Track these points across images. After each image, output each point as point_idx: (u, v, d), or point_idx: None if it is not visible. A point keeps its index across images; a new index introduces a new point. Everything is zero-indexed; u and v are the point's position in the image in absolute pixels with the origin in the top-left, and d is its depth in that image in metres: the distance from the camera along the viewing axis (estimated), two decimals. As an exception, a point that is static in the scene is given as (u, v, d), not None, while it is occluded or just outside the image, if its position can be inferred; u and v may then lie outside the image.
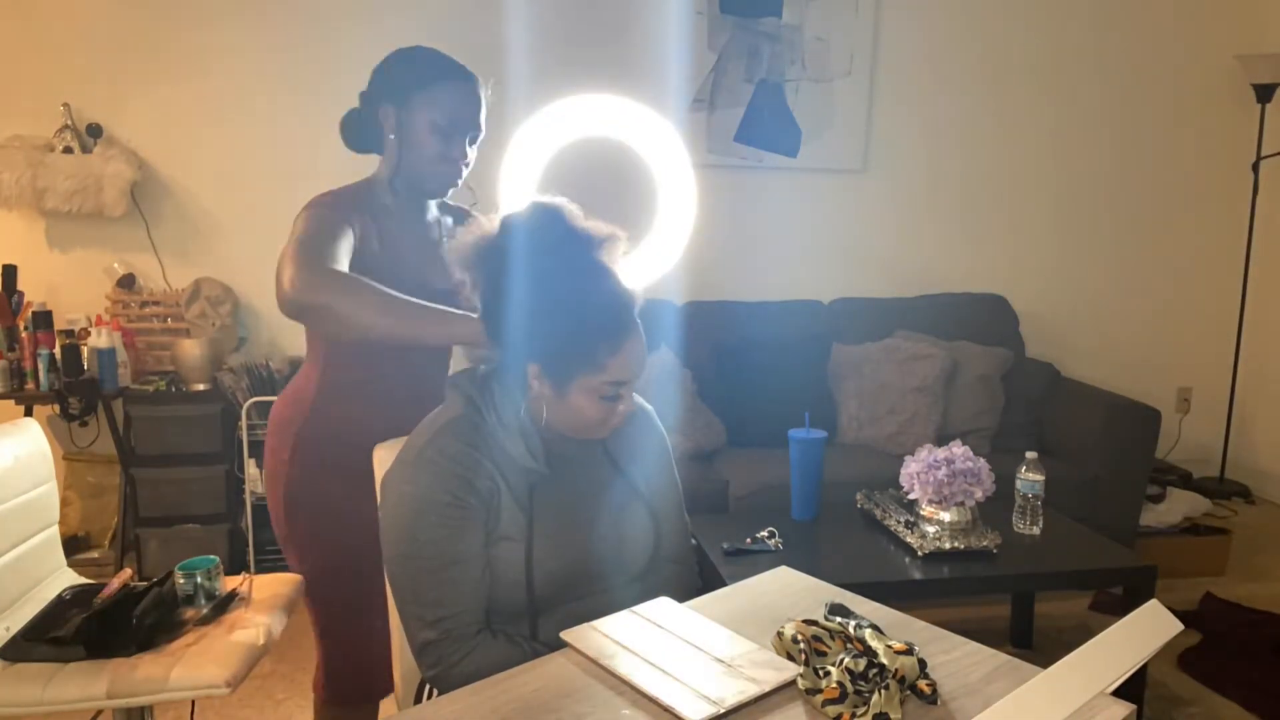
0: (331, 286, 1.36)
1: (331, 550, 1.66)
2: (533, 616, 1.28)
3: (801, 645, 1.09)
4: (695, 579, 1.46)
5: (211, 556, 1.78)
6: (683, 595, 1.31)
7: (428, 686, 1.37)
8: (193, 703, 2.15)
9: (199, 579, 1.75)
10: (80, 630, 1.59)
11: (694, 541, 1.53)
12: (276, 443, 1.66)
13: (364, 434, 1.54)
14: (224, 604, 1.76)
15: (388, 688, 1.67)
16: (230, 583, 1.82)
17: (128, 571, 1.78)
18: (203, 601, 1.74)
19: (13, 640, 1.61)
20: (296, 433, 1.63)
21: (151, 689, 1.54)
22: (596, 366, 1.22)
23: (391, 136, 1.60)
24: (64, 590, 1.78)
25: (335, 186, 1.63)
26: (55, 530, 1.91)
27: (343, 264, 1.44)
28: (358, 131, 1.64)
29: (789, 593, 1.33)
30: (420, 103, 1.57)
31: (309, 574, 1.69)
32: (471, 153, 1.64)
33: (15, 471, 1.80)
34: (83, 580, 1.90)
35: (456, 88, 1.59)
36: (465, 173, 1.65)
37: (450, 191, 1.66)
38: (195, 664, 1.57)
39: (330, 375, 1.63)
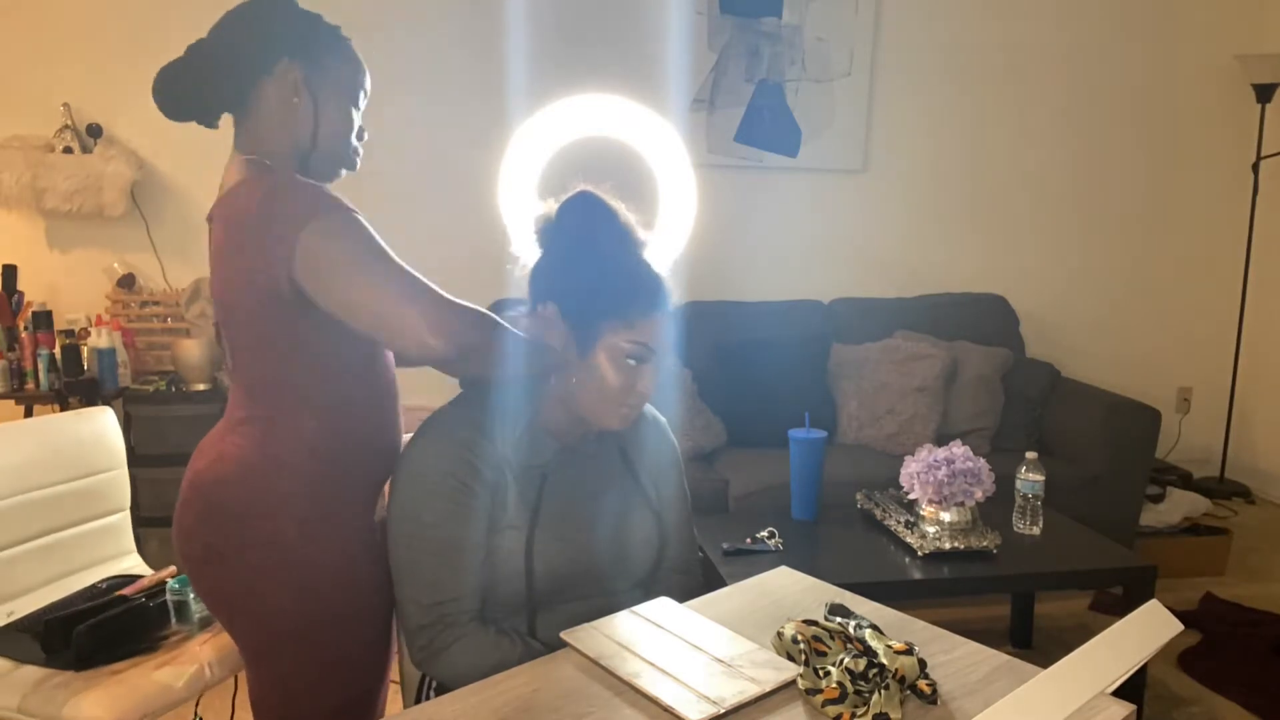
0: (474, 321, 1.19)
1: (356, 637, 1.34)
2: (531, 611, 1.28)
3: (801, 645, 1.09)
4: (700, 591, 1.47)
5: None
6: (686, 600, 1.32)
7: (427, 686, 1.37)
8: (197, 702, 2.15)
9: (187, 594, 1.71)
10: (42, 633, 1.55)
11: (701, 554, 1.54)
12: (271, 527, 1.26)
13: (365, 453, 1.33)
14: (207, 622, 1.72)
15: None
16: None
17: (173, 569, 1.75)
18: (182, 619, 1.71)
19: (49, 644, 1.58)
20: (292, 493, 1.27)
21: (47, 713, 1.45)
22: (625, 321, 1.25)
23: (296, 100, 1.30)
24: (102, 580, 1.79)
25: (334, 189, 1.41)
26: (125, 516, 1.97)
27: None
28: (201, 90, 1.29)
29: (789, 593, 1.33)
30: (333, 67, 1.31)
31: (333, 667, 1.33)
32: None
33: (78, 455, 1.87)
34: (130, 573, 1.90)
35: (355, 53, 1.35)
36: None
37: (343, 174, 1.40)
38: (94, 698, 1.47)
39: (314, 407, 1.30)
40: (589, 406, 1.29)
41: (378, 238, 1.23)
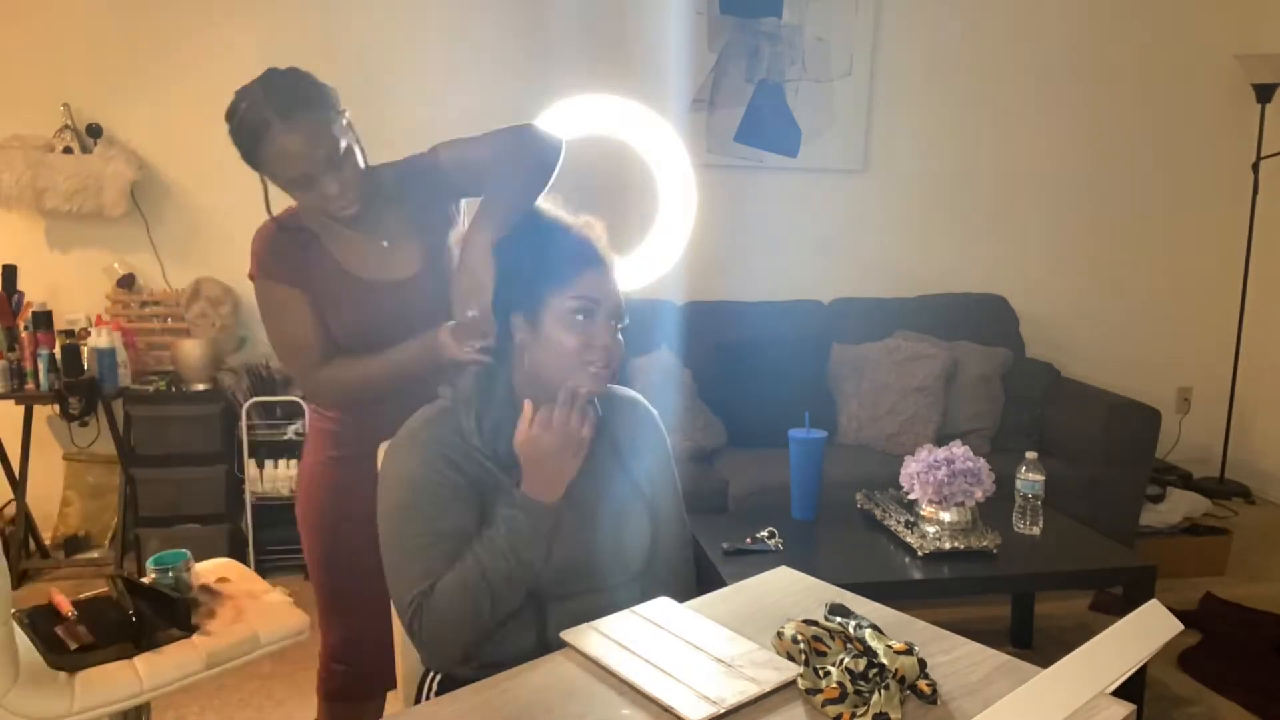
0: (328, 386, 1.59)
1: (337, 535, 1.68)
2: (539, 605, 1.28)
3: (801, 645, 1.09)
4: (692, 577, 1.47)
5: (182, 550, 1.81)
6: (680, 594, 1.32)
7: (427, 686, 1.37)
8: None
9: (172, 573, 1.76)
10: (125, 628, 1.63)
11: (696, 544, 1.54)
12: (314, 443, 1.71)
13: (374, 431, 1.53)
14: (213, 592, 1.80)
15: (390, 681, 1.63)
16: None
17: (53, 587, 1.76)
18: (180, 593, 1.75)
19: (57, 654, 1.58)
20: (333, 435, 1.66)
21: (247, 649, 1.70)
22: (563, 282, 1.27)
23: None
24: (17, 614, 1.67)
25: None
26: None
27: (317, 339, 1.56)
28: None
29: (789, 593, 1.33)
30: (266, 160, 1.48)
31: (315, 550, 1.71)
32: (342, 174, 1.48)
33: None
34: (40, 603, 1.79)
35: (292, 129, 1.43)
36: (354, 185, 1.51)
37: (355, 207, 1.53)
38: (269, 621, 1.73)
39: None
40: (558, 377, 1.27)
41: (290, 308, 1.55)
